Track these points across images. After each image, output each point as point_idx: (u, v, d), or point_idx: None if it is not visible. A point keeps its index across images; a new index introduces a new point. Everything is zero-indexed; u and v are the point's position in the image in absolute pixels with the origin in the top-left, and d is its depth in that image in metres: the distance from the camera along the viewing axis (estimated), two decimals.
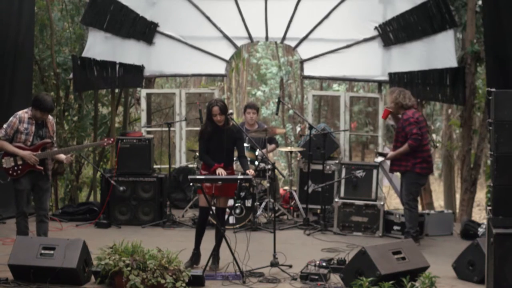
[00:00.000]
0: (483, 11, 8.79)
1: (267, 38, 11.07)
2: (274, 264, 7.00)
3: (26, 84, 10.38)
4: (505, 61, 8.41)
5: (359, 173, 9.19)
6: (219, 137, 7.09)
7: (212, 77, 13.36)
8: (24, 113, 7.38)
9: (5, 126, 7.34)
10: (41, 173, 7.36)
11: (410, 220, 8.29)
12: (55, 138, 7.61)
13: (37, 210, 7.49)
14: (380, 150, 9.58)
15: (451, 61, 10.27)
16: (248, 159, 9.00)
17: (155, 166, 10.53)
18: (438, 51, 10.34)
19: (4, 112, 9.75)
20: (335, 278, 6.62)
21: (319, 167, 9.69)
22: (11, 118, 7.37)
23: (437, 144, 15.19)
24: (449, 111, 16.57)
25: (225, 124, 7.09)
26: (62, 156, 7.50)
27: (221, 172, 6.97)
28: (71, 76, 10.90)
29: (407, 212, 8.32)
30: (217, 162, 7.07)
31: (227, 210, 7.46)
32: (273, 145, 10.00)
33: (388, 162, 8.81)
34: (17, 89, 10.02)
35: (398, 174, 8.75)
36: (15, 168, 7.26)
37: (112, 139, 7.90)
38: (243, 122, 10.09)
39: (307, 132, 9.98)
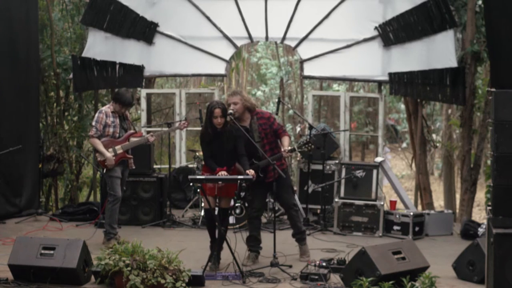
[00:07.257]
0: (486, 7, 8.67)
1: (267, 38, 11.06)
2: (274, 264, 7.00)
3: (34, 87, 10.54)
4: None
5: (359, 173, 9.19)
6: (219, 140, 7.09)
7: (212, 77, 13.36)
8: (107, 108, 8.04)
9: (93, 123, 7.98)
10: (127, 163, 8.15)
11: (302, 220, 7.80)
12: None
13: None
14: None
15: (451, 61, 10.26)
16: None
17: (155, 166, 10.53)
18: (438, 51, 10.33)
19: (14, 114, 9.85)
20: (335, 278, 6.63)
21: (319, 167, 9.69)
22: (97, 114, 8.02)
23: (437, 144, 15.18)
24: (449, 111, 16.55)
25: (224, 126, 7.09)
26: (151, 138, 8.27)
27: (223, 175, 6.97)
28: (71, 76, 10.90)
29: (296, 214, 7.59)
30: (219, 164, 7.07)
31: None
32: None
33: (389, 163, 8.80)
34: (23, 93, 10.17)
35: (397, 174, 8.72)
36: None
37: (186, 123, 8.69)
38: None
39: (307, 132, 9.97)
